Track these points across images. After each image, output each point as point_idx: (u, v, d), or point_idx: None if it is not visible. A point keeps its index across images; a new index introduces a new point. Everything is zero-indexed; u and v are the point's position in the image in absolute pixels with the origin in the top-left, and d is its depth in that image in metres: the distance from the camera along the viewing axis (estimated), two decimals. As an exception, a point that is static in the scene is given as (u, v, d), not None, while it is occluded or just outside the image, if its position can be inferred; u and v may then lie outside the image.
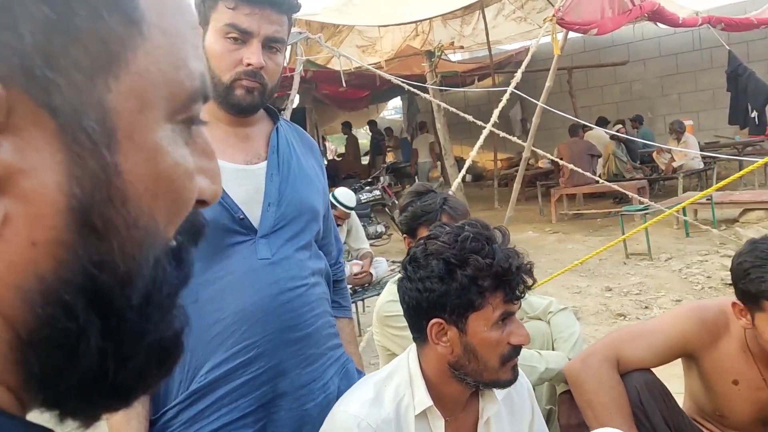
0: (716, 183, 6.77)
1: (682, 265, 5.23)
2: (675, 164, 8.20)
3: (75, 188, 0.28)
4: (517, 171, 5.26)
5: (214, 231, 1.13)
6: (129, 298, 0.30)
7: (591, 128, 7.85)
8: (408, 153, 12.26)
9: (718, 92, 9.55)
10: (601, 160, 8.46)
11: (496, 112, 4.16)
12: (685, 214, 5.80)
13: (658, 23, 6.26)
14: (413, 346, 1.25)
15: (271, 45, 1.19)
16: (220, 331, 1.16)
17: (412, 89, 4.67)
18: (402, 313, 1.24)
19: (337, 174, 11.34)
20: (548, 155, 5.26)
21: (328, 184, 1.43)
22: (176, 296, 0.34)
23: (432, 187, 2.01)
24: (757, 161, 3.75)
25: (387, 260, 4.61)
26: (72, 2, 0.28)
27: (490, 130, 4.10)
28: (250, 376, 1.17)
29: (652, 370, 1.69)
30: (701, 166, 8.22)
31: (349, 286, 2.67)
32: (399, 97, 14.42)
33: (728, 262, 1.65)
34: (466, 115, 4.30)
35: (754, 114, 7.41)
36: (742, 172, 3.69)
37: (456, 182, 4.30)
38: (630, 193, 6.06)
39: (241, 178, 1.20)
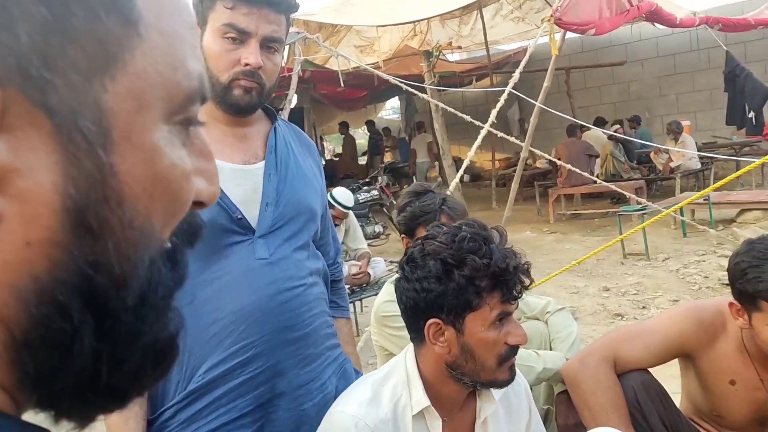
0: (713, 183, 6.79)
1: (679, 265, 5.24)
2: (672, 164, 8.22)
3: (70, 188, 0.28)
4: (514, 171, 5.26)
5: (211, 231, 1.13)
6: (124, 299, 0.30)
7: (589, 128, 7.86)
8: (406, 153, 12.26)
9: (716, 93, 9.58)
10: (598, 161, 8.47)
11: (494, 113, 4.16)
12: (682, 215, 5.81)
13: (655, 24, 6.27)
14: (411, 345, 1.25)
15: (269, 45, 1.19)
16: (218, 331, 1.16)
17: (410, 89, 4.67)
18: (400, 313, 1.25)
19: (335, 174, 11.34)
20: (546, 155, 5.27)
21: (326, 184, 1.43)
22: (171, 298, 0.34)
23: (430, 187, 2.01)
24: (754, 161, 3.76)
25: (385, 260, 4.60)
26: (69, 3, 0.28)
27: (488, 130, 4.10)
28: (248, 376, 1.17)
29: (650, 370, 1.70)
30: (698, 166, 8.24)
31: (347, 286, 2.67)
32: (397, 97, 14.43)
33: (725, 262, 1.65)
34: (464, 115, 4.30)
35: (752, 114, 7.42)
36: (739, 173, 3.71)
37: (454, 182, 4.30)
38: (627, 194, 6.07)
39: (239, 178, 1.20)
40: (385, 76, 4.70)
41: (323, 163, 10.75)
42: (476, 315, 1.13)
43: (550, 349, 1.87)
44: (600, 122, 9.53)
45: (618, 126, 9.12)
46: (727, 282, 1.57)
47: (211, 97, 1.16)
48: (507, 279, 1.12)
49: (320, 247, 1.37)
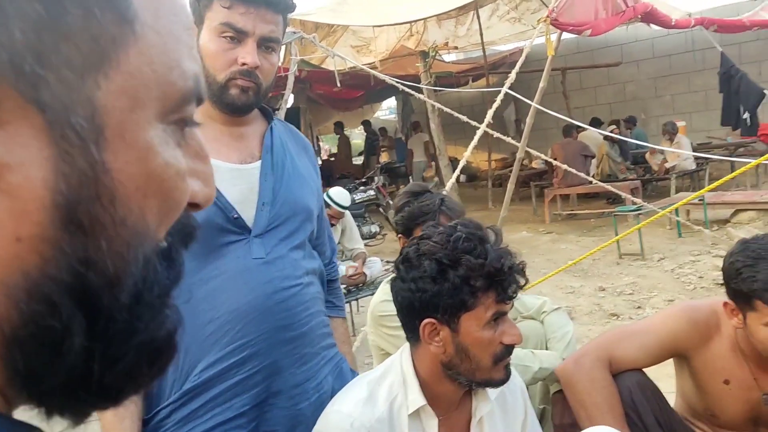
0: (708, 184, 6.81)
1: (674, 266, 5.26)
2: (668, 165, 8.25)
3: (61, 184, 0.28)
4: (511, 171, 5.26)
5: (208, 230, 1.13)
6: (117, 297, 0.30)
7: (584, 129, 7.88)
8: (402, 153, 12.27)
9: (711, 93, 9.60)
10: (594, 161, 8.49)
11: (490, 113, 4.16)
12: (677, 215, 5.83)
13: (651, 25, 6.29)
14: (406, 345, 1.25)
15: (266, 44, 1.18)
16: (214, 331, 1.16)
17: (406, 89, 4.67)
18: (396, 312, 1.25)
19: (331, 174, 11.34)
20: (542, 156, 5.28)
21: (323, 184, 1.43)
22: (167, 296, 0.34)
23: (428, 187, 2.00)
24: (748, 162, 3.77)
25: (381, 260, 4.61)
26: (65, 0, 0.28)
27: (484, 131, 4.11)
28: (244, 376, 1.17)
29: (644, 370, 1.70)
30: (694, 167, 8.27)
31: (343, 286, 2.66)
32: (393, 98, 14.43)
33: (720, 262, 1.66)
34: (460, 116, 4.31)
35: (746, 115, 7.45)
36: (734, 174, 3.71)
37: (450, 182, 4.30)
38: (623, 194, 6.08)
39: (235, 177, 1.20)
40: (381, 76, 4.70)
41: (319, 163, 10.76)
42: (471, 315, 1.13)
43: (546, 349, 1.88)
44: (596, 123, 9.55)
45: (614, 126, 9.14)
46: (722, 282, 1.58)
47: (208, 96, 1.16)
48: (502, 279, 1.13)
49: (316, 247, 1.37)
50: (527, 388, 1.49)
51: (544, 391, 1.93)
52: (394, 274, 1.24)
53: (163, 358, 0.34)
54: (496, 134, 4.40)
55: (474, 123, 4.21)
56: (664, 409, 1.68)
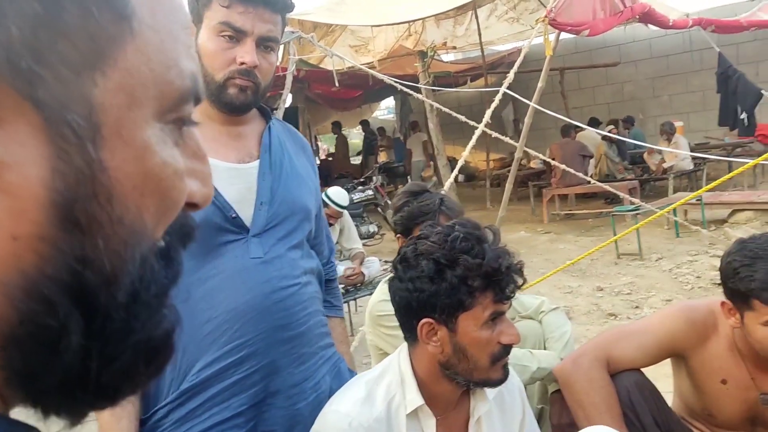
0: (706, 184, 6.83)
1: (672, 265, 5.27)
2: (665, 165, 8.26)
3: (58, 183, 0.28)
4: (509, 171, 5.27)
5: (206, 229, 1.12)
6: (114, 296, 0.30)
7: (583, 129, 7.89)
8: (401, 153, 12.27)
9: (709, 94, 9.62)
10: (593, 161, 8.50)
11: (488, 113, 4.17)
12: (675, 215, 5.84)
13: (649, 25, 6.29)
14: (404, 345, 1.25)
15: (264, 44, 1.18)
16: (212, 330, 1.16)
17: (404, 89, 4.67)
18: (394, 312, 1.25)
19: (329, 174, 11.33)
20: (540, 155, 5.28)
21: (321, 183, 1.43)
22: (165, 295, 0.34)
23: (427, 186, 1.99)
24: (746, 162, 3.78)
25: (379, 260, 4.61)
26: None
27: (483, 131, 4.11)
28: (242, 375, 1.17)
29: (642, 370, 1.70)
30: (691, 167, 8.28)
31: (341, 286, 2.66)
32: (392, 97, 14.43)
33: (717, 262, 1.66)
34: (458, 116, 4.31)
35: (744, 115, 7.46)
36: (731, 174, 3.71)
37: (448, 182, 4.30)
38: (621, 194, 6.10)
39: (233, 176, 1.20)
40: (379, 75, 4.70)
41: (317, 162, 10.76)
42: (469, 315, 1.13)
43: (544, 349, 1.88)
44: (594, 123, 9.56)
45: (612, 126, 9.15)
46: (719, 281, 1.58)
47: (206, 95, 1.16)
48: (499, 279, 1.12)
49: (314, 247, 1.37)
50: (525, 388, 1.49)
51: (542, 390, 1.93)
52: (392, 274, 1.24)
53: (161, 358, 0.34)
54: (495, 134, 4.41)
55: (472, 123, 4.21)
56: (662, 409, 1.68)
